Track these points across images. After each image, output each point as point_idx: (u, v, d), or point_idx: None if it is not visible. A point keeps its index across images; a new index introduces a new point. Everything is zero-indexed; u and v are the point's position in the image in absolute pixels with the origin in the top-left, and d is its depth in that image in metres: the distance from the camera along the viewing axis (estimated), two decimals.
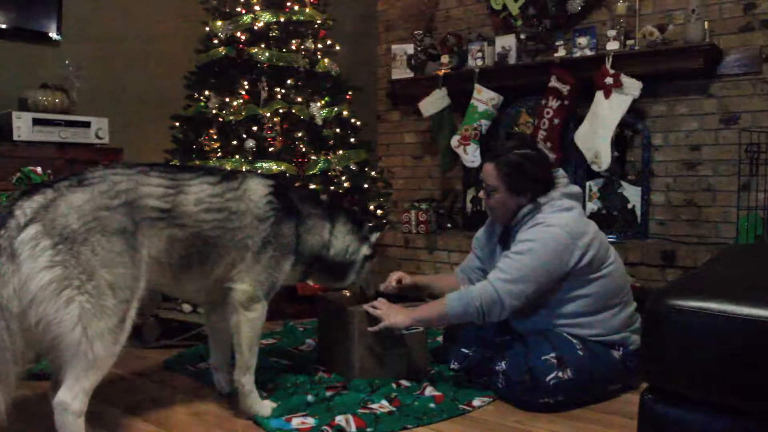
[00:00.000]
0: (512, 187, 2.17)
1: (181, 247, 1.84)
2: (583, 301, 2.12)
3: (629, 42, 3.71)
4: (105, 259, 1.61)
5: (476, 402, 2.12)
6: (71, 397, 1.57)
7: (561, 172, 2.28)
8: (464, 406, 2.08)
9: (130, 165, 1.82)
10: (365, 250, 2.27)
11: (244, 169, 3.12)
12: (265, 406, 2.01)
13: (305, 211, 2.13)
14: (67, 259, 1.55)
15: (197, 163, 3.31)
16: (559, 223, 2.08)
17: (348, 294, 2.49)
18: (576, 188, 2.26)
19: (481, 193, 2.31)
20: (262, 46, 3.44)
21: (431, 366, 2.43)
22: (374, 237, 2.31)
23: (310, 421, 1.93)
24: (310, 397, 2.09)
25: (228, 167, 3.16)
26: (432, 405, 2.08)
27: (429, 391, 2.18)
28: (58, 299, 1.53)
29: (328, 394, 2.14)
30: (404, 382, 2.27)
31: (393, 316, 2.18)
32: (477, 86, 4.13)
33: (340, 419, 1.91)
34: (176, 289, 2.06)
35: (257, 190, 2.00)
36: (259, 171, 3.16)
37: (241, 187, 1.98)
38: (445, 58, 4.41)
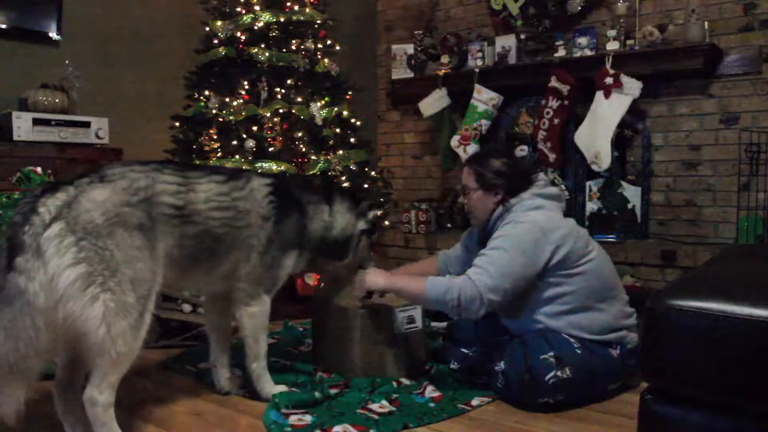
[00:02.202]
0: (483, 184, 2.28)
1: (191, 243, 1.88)
2: (567, 297, 2.13)
3: (629, 42, 3.71)
4: (127, 254, 1.65)
5: (475, 401, 2.12)
6: (98, 392, 1.63)
7: (541, 175, 2.35)
8: (463, 406, 2.08)
9: (144, 162, 1.85)
10: (362, 224, 2.31)
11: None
12: (277, 387, 2.11)
13: (305, 200, 2.19)
14: (91, 255, 1.58)
15: (197, 163, 3.31)
16: (527, 220, 2.15)
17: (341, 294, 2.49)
18: (552, 189, 2.31)
19: (461, 198, 2.42)
20: (262, 46, 3.43)
21: (431, 365, 2.43)
22: (371, 214, 2.34)
23: (307, 419, 1.94)
24: (317, 394, 2.10)
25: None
26: (432, 405, 2.08)
27: (429, 390, 2.18)
28: (84, 296, 1.56)
29: (332, 392, 2.15)
30: (405, 381, 2.27)
31: (372, 274, 2.24)
32: (477, 86, 4.13)
33: (337, 430, 1.87)
34: (178, 285, 2.14)
35: (261, 189, 2.05)
36: (259, 171, 3.17)
37: (246, 187, 2.03)
38: (445, 58, 4.41)
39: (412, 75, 4.63)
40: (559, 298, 2.14)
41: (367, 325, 2.27)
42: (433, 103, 4.34)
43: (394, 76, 4.72)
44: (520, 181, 2.27)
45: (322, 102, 3.52)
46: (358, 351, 2.27)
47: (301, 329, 3.07)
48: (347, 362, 2.30)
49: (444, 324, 2.78)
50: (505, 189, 2.25)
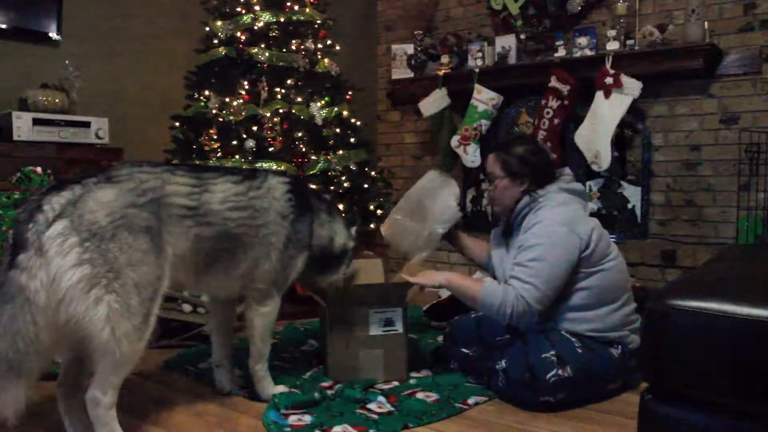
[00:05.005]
0: (510, 172, 2.26)
1: (208, 245, 1.88)
2: (583, 293, 2.14)
3: (629, 42, 3.71)
4: (131, 257, 1.64)
5: (474, 401, 2.11)
6: (101, 393, 1.64)
7: (567, 170, 2.33)
8: (462, 405, 2.08)
9: (155, 164, 1.85)
10: (351, 242, 2.33)
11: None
12: (277, 388, 2.13)
13: (317, 206, 2.20)
14: (95, 257, 1.57)
15: (197, 163, 3.31)
16: (556, 220, 2.13)
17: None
18: (578, 185, 2.30)
19: (485, 185, 2.39)
20: (262, 46, 3.43)
21: (432, 366, 2.43)
22: (353, 230, 2.36)
23: (307, 419, 1.95)
24: (317, 394, 2.10)
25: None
26: (432, 404, 2.08)
27: (421, 396, 2.17)
28: (87, 298, 1.56)
29: (330, 393, 2.15)
30: (394, 384, 2.26)
31: (427, 275, 2.25)
32: (477, 86, 4.13)
33: (337, 430, 1.88)
34: (196, 286, 2.12)
35: (279, 187, 2.07)
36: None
37: (263, 186, 2.04)
38: (445, 58, 4.41)
39: (412, 75, 4.62)
40: (578, 293, 2.14)
41: (340, 324, 2.26)
42: (433, 103, 4.34)
43: (394, 76, 4.72)
44: (546, 171, 2.26)
45: (322, 102, 3.52)
46: (331, 349, 2.27)
47: (301, 329, 3.07)
48: (324, 361, 2.30)
49: (444, 323, 2.78)
50: (531, 178, 2.24)
